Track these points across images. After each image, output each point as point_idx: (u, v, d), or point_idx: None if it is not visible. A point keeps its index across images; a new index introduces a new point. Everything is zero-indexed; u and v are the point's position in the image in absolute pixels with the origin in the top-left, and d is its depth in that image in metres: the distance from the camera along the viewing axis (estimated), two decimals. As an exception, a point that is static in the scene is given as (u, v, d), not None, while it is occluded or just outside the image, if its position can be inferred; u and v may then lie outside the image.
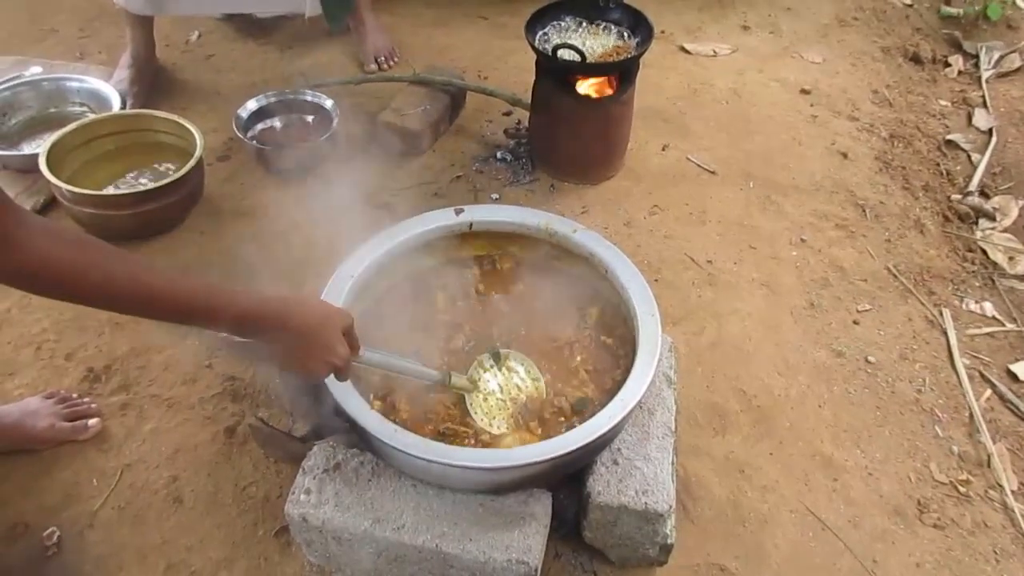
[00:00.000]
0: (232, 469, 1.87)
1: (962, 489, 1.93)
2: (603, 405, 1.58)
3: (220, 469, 1.87)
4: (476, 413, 1.61)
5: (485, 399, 1.63)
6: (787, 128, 2.95)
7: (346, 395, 1.50)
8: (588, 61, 2.34)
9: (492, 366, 1.67)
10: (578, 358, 1.71)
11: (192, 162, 2.34)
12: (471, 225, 1.86)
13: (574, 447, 1.45)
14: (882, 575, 1.75)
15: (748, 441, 1.98)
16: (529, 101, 2.68)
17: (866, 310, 2.34)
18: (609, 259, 1.78)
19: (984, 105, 3.16)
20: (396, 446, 1.43)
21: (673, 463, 1.65)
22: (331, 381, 1.50)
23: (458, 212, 1.86)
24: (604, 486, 1.58)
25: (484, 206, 1.89)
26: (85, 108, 2.76)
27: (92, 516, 1.77)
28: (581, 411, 1.61)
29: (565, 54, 2.35)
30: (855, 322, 2.30)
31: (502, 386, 1.65)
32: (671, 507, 1.57)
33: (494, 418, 1.61)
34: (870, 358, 2.20)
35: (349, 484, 1.56)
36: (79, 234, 1.13)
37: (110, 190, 2.44)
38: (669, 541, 1.61)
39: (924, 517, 1.86)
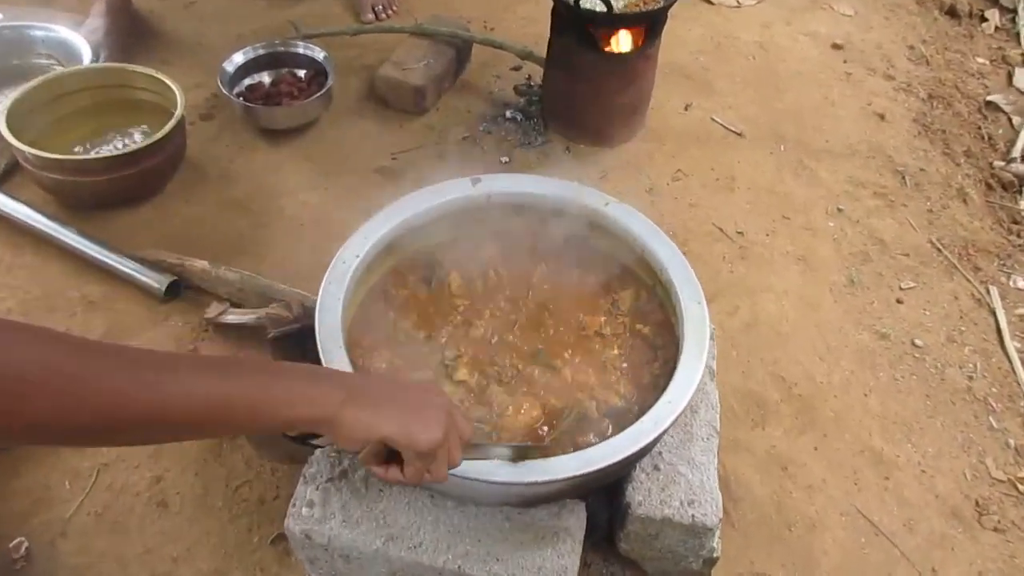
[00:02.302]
0: (222, 467, 1.68)
1: (1022, 487, 1.77)
2: (642, 405, 1.40)
3: (209, 468, 1.68)
4: None
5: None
6: (818, 86, 2.74)
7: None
8: (615, 11, 2.10)
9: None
10: (611, 351, 1.52)
11: (173, 122, 2.11)
12: (489, 197, 1.65)
13: (617, 458, 1.26)
14: (943, 586, 1.59)
15: (790, 434, 1.81)
16: (541, 55, 2.45)
17: (910, 287, 2.16)
18: (646, 236, 1.59)
19: (1024, 63, 2.96)
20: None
21: (717, 468, 1.48)
22: (329, 364, 1.32)
23: (475, 182, 1.64)
24: (645, 495, 1.40)
25: (504, 176, 1.68)
26: (52, 61, 2.49)
27: (65, 523, 1.58)
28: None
29: (588, 3, 2.12)
30: (899, 301, 2.12)
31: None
32: (720, 519, 1.39)
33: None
34: (917, 341, 2.03)
35: (358, 495, 1.37)
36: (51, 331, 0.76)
37: (81, 154, 2.21)
38: (715, 555, 1.45)
39: (984, 520, 1.71)
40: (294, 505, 1.36)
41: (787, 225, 2.27)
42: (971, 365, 2.00)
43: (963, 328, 2.08)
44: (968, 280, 2.20)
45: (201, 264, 1.95)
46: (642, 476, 1.43)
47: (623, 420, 1.40)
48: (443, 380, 1.45)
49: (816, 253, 2.20)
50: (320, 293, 1.43)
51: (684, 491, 1.41)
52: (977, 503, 1.74)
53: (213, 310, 1.89)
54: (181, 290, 1.98)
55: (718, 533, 1.42)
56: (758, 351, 1.95)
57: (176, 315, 1.93)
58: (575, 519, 1.37)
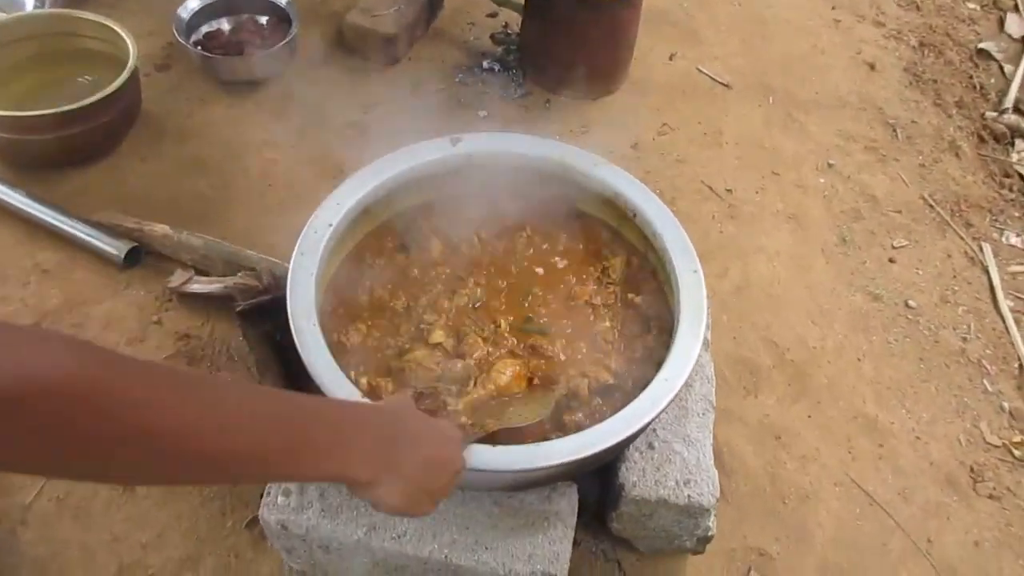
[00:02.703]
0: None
1: (1017, 452, 1.74)
2: (636, 381, 1.33)
3: (177, 448, 1.58)
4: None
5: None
6: (807, 34, 2.64)
7: (319, 366, 1.21)
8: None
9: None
10: (603, 323, 1.43)
11: (126, 73, 1.96)
12: (470, 157, 1.54)
13: (612, 442, 1.19)
14: (939, 556, 1.56)
15: (783, 402, 1.75)
16: (518, 1, 2.32)
17: (902, 246, 2.10)
18: (638, 200, 1.50)
19: (1016, 9, 2.86)
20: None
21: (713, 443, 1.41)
22: (302, 342, 1.23)
23: (454, 142, 1.53)
24: (640, 476, 1.34)
25: (486, 135, 1.57)
26: (-8, 6, 2.30)
27: (25, 510, 1.48)
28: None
29: (570, -56, 1.98)
30: (891, 260, 2.06)
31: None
32: (716, 499, 1.33)
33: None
34: (910, 302, 1.97)
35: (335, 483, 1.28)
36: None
37: (26, 109, 2.05)
38: (710, 533, 1.39)
39: (979, 487, 1.67)
40: (268, 494, 1.28)
41: (777, 182, 2.18)
42: (965, 326, 1.95)
43: (956, 288, 2.03)
44: (961, 237, 2.15)
45: (162, 228, 1.83)
46: (636, 456, 1.36)
47: (614, 398, 1.33)
48: (418, 343, 1.36)
49: (807, 211, 2.13)
50: (291, 267, 1.33)
51: (680, 470, 1.35)
52: (972, 470, 1.70)
53: (177, 278, 1.79)
54: (142, 256, 1.86)
55: (714, 512, 1.36)
56: (750, 315, 1.89)
57: (137, 283, 1.82)
58: (566, 503, 1.30)
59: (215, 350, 1.72)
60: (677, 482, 1.34)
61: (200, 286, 1.76)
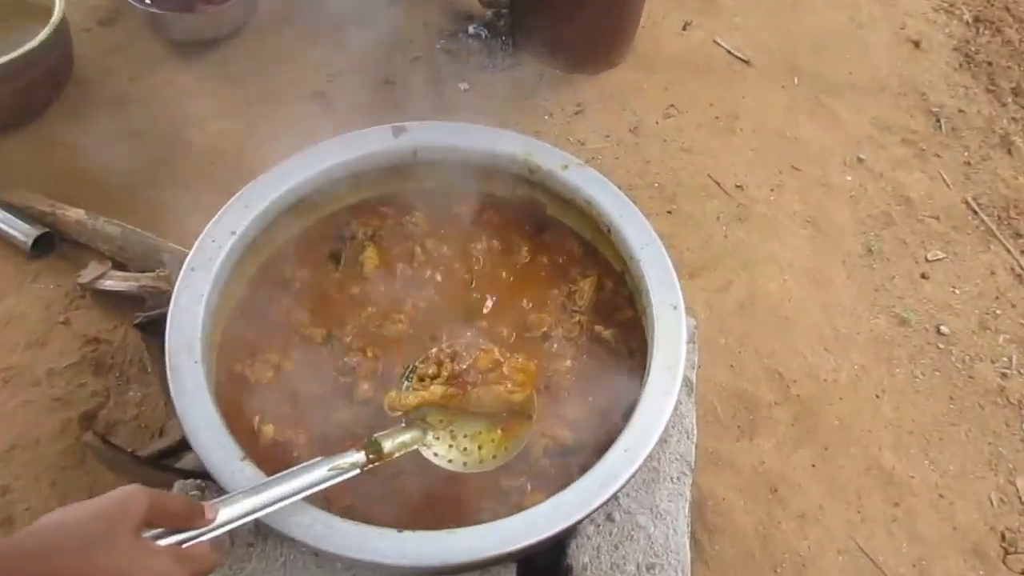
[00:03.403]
0: (86, 476, 1.38)
1: (1059, 518, 1.47)
2: (597, 441, 1.08)
3: (69, 476, 1.37)
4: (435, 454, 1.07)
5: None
6: (844, 5, 2.33)
7: (192, 417, 0.98)
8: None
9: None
10: (562, 362, 1.18)
11: (51, 27, 1.73)
12: (415, 152, 1.28)
13: (547, 533, 0.95)
14: (957, 649, 1.31)
15: (784, 447, 1.50)
16: (513, -43, 2.03)
17: (938, 259, 1.82)
18: (614, 211, 1.23)
19: (1088, -19, 2.50)
20: (284, 531, 0.92)
21: (688, 514, 1.16)
22: (175, 382, 1.01)
23: (397, 132, 1.28)
24: (592, 557, 1.10)
25: (434, 124, 1.30)
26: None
27: None
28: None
29: None
30: (923, 276, 1.78)
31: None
32: (688, 589, 1.09)
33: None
34: (942, 328, 1.70)
35: (219, 552, 1.06)
36: None
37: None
38: (679, 621, 1.15)
39: (1010, 559, 1.42)
40: (137, 561, 1.05)
41: (797, 178, 1.90)
42: (1005, 359, 1.67)
43: (998, 311, 1.75)
44: (1008, 250, 1.85)
45: (76, 214, 1.60)
46: (590, 529, 1.12)
47: (567, 461, 1.08)
48: (340, 400, 1.12)
49: (829, 214, 1.85)
50: (175, 287, 1.09)
51: (643, 551, 1.11)
52: (1003, 537, 1.44)
53: (89, 272, 1.56)
54: (56, 243, 1.63)
55: (685, 602, 1.12)
56: (752, 339, 1.62)
57: (46, 275, 1.60)
58: (501, 589, 1.06)
59: (126, 358, 1.50)
60: (639, 567, 1.10)
61: (114, 283, 1.53)
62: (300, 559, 1.07)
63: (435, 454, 1.04)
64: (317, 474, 0.92)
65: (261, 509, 0.86)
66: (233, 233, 1.15)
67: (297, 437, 1.09)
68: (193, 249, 1.13)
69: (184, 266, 1.10)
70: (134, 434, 1.43)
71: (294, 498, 0.89)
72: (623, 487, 0.99)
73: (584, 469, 1.01)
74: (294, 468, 0.92)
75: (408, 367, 1.09)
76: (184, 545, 0.76)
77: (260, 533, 1.07)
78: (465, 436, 1.07)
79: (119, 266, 1.57)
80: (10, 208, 1.63)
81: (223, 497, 0.84)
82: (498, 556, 0.95)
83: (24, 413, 1.43)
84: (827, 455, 1.50)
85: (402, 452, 1.01)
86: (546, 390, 1.16)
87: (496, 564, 1.04)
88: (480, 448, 1.06)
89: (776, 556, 1.38)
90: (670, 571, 1.09)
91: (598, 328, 1.22)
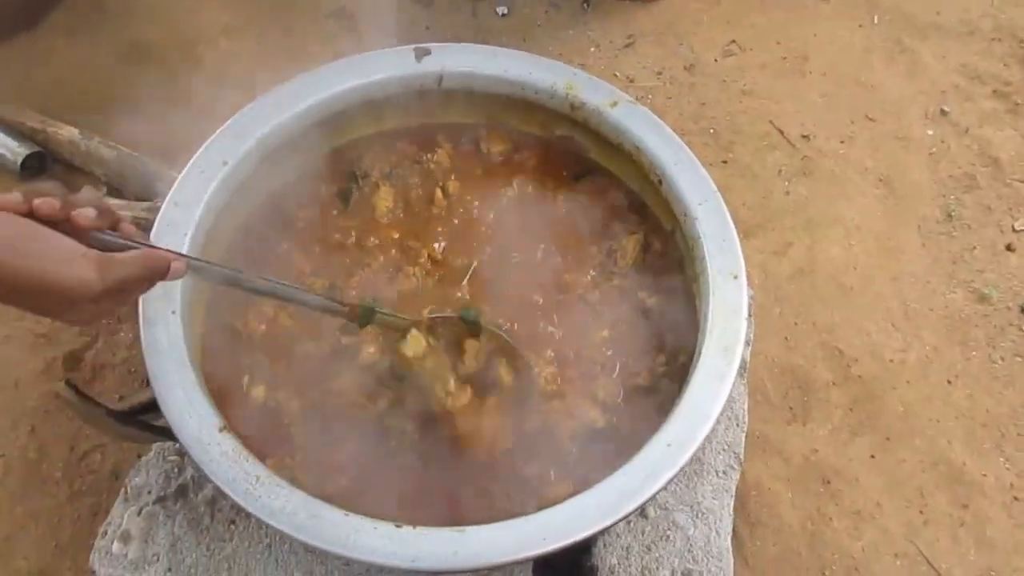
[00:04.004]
0: (68, 423, 1.26)
1: None
2: (631, 426, 0.93)
3: (51, 424, 1.26)
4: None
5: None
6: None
7: (164, 378, 0.85)
8: None
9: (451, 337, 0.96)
10: (598, 332, 1.02)
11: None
12: (440, 79, 1.11)
13: (579, 535, 0.80)
14: (1026, 674, 1.16)
15: (840, 434, 1.34)
16: None
17: (1025, 229, 1.61)
18: (668, 159, 1.05)
19: None
20: (261, 516, 0.79)
21: (732, 512, 1.01)
22: (148, 341, 0.86)
23: (420, 55, 1.10)
24: (621, 558, 0.96)
25: (463, 47, 1.12)
26: None
27: None
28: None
29: None
30: (1009, 248, 1.59)
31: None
32: (729, 602, 0.95)
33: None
34: (1028, 307, 1.50)
35: (196, 528, 0.94)
36: None
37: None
38: (715, 632, 1.01)
39: (1092, 575, 1.25)
40: (104, 534, 0.93)
41: (870, 130, 1.70)
42: (1097, 345, 1.48)
43: (1092, 291, 1.55)
44: (1105, 221, 1.64)
45: (69, 132, 1.46)
46: (620, 526, 0.98)
47: (598, 449, 0.93)
48: (341, 363, 0.97)
49: (905, 173, 1.65)
50: (155, 224, 0.94)
51: (680, 554, 0.97)
52: (1085, 549, 1.27)
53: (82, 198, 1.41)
54: (48, 164, 1.49)
55: (724, 614, 0.97)
56: (810, 310, 1.45)
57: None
58: (513, 589, 0.93)
59: (117, 297, 1.36)
60: (673, 572, 0.96)
61: (106, 212, 1.39)
62: (287, 541, 0.94)
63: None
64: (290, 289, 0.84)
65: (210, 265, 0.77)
66: (225, 163, 1.00)
67: (290, 402, 0.96)
68: (177, 181, 0.97)
69: (166, 200, 0.96)
70: (122, 379, 1.31)
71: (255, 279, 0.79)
72: (662, 489, 0.84)
73: (617, 459, 0.87)
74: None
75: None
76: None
77: (243, 511, 0.93)
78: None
79: (114, 193, 1.44)
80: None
81: (191, 258, 0.74)
82: (510, 563, 0.81)
83: (4, 350, 1.31)
84: (888, 446, 1.33)
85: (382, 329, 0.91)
86: (576, 361, 1.01)
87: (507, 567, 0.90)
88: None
89: (825, 557, 1.23)
90: (710, 578, 0.95)
91: (641, 294, 1.05)
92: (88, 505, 1.20)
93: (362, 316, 0.87)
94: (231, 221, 1.03)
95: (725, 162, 1.61)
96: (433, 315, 0.95)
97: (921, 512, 1.28)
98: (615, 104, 1.08)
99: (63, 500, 1.20)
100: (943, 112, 1.76)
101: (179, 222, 0.94)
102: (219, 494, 0.92)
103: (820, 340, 1.42)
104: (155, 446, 1.01)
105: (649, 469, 0.84)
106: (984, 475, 1.32)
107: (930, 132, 1.72)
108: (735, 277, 0.96)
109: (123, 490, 0.96)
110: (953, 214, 1.61)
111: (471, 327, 0.95)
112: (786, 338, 1.42)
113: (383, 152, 1.13)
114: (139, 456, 1.01)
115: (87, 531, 1.18)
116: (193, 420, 0.83)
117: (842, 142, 1.68)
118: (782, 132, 1.68)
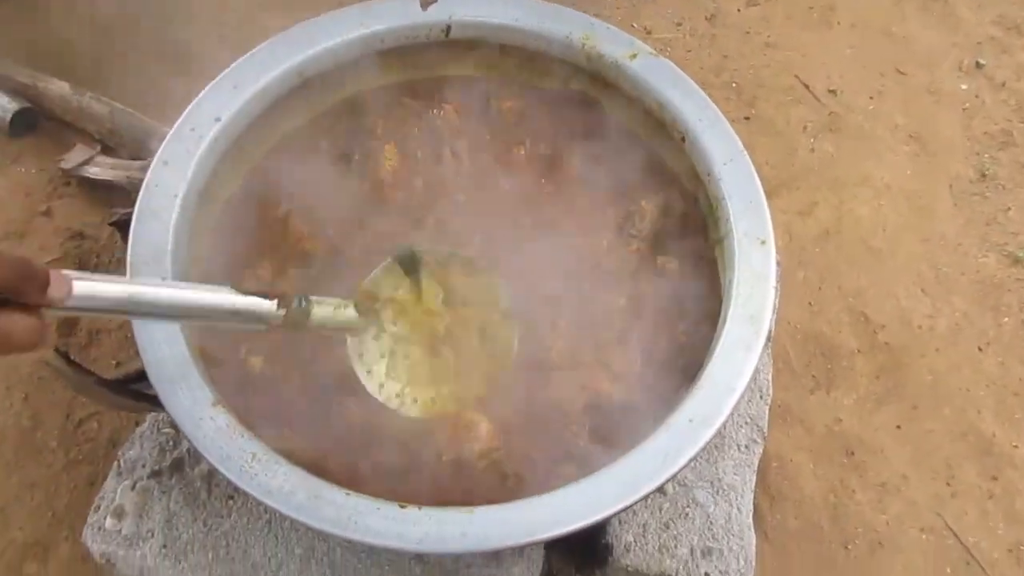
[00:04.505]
0: (63, 391, 1.23)
1: None
2: (651, 402, 0.87)
3: (45, 390, 1.22)
4: (365, 365, 0.86)
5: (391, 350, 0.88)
6: None
7: (158, 349, 0.80)
8: None
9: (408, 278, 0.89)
10: (616, 299, 0.96)
11: None
12: (448, 28, 1.03)
13: (594, 517, 0.75)
14: (1056, 654, 1.12)
15: (866, 403, 1.29)
16: None
17: (1064, 189, 1.53)
18: (692, 115, 0.98)
19: None
20: (257, 496, 0.74)
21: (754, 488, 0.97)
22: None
23: (427, 3, 1.03)
24: (638, 535, 0.92)
25: (474, -6, 1.06)
26: None
27: None
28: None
29: None
30: (1045, 208, 1.51)
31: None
32: (750, 582, 0.90)
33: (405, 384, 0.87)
34: (1064, 271, 1.44)
35: (193, 503, 0.90)
36: None
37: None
38: (734, 610, 0.96)
39: (1125, 551, 1.20)
40: (96, 509, 0.89)
41: (902, 84, 1.62)
42: None
43: None
44: None
45: (60, 87, 1.40)
46: (636, 504, 0.93)
47: (613, 423, 0.88)
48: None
49: (938, 129, 1.57)
50: (143, 185, 0.88)
51: (699, 532, 0.92)
52: (1119, 524, 1.23)
53: (75, 157, 1.37)
54: (38, 120, 1.43)
55: (745, 594, 0.93)
56: (836, 274, 1.39)
57: (29, 157, 1.41)
58: (523, 568, 0.89)
59: (113, 258, 1.32)
60: (692, 550, 0.91)
61: (101, 171, 1.34)
62: (288, 518, 0.90)
63: (363, 359, 0.84)
64: (211, 297, 0.69)
65: (128, 307, 0.63)
66: (218, 120, 0.94)
67: (290, 375, 0.91)
68: (166, 139, 0.91)
69: (155, 159, 0.90)
70: (119, 346, 1.27)
71: (172, 313, 0.68)
72: (683, 469, 0.79)
73: (634, 435, 0.82)
74: (191, 283, 0.72)
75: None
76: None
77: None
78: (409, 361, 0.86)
79: (108, 151, 1.38)
80: (-11, 78, 1.43)
81: (81, 273, 0.59)
82: (520, 546, 0.76)
83: (-2, 314, 1.26)
84: (916, 415, 1.28)
85: (322, 327, 0.80)
86: (590, 331, 0.95)
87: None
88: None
89: (848, 531, 1.18)
90: (731, 559, 0.91)
91: (661, 259, 0.99)
92: (85, 474, 1.17)
93: (291, 305, 0.75)
94: (226, 181, 0.97)
95: (747, 118, 1.54)
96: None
97: (948, 484, 1.23)
98: (635, 56, 1.01)
99: (59, 469, 1.16)
100: (978, 65, 1.67)
101: (168, 183, 0.89)
102: (218, 474, 0.87)
103: (846, 305, 1.36)
104: (149, 417, 0.96)
105: (669, 447, 0.78)
106: (1015, 446, 1.27)
107: (964, 86, 1.64)
108: (763, 242, 0.90)
109: (116, 464, 0.92)
110: (987, 173, 1.53)
111: (409, 265, 0.88)
112: (810, 303, 1.36)
113: (387, 108, 1.06)
114: (136, 424, 0.97)
115: (84, 501, 1.14)
116: (185, 393, 0.78)
117: (871, 97, 1.60)
118: (808, 87, 1.60)
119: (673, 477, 0.79)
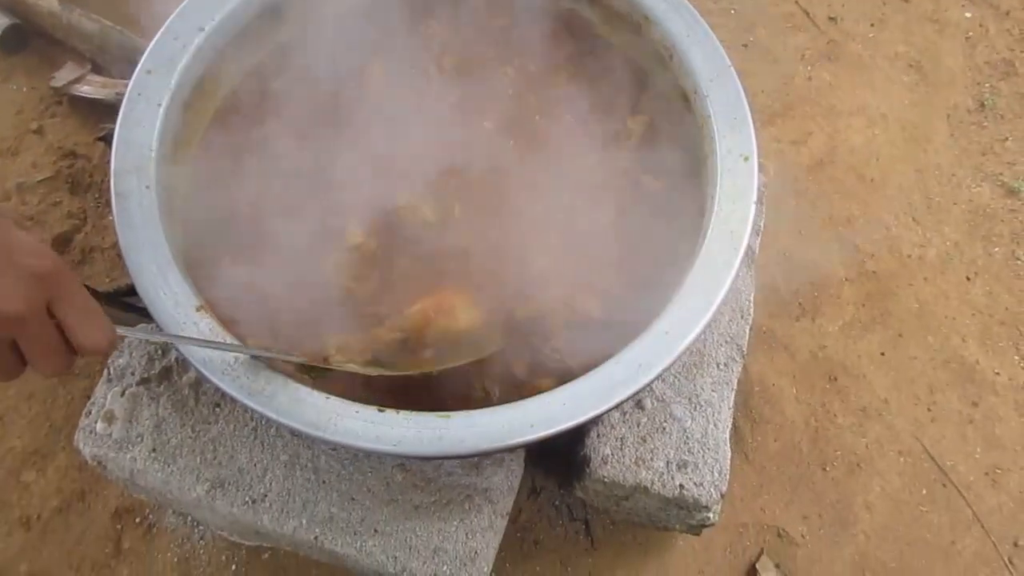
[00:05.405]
0: (59, 306, 1.22)
1: None
2: (632, 318, 0.88)
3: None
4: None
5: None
6: None
7: (142, 255, 0.81)
8: None
9: None
10: (601, 216, 0.96)
11: None
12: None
13: (568, 423, 0.77)
14: (1024, 572, 1.15)
15: (851, 330, 1.30)
16: None
17: (1063, 120, 1.52)
18: (679, 32, 0.97)
19: None
20: (239, 397, 0.76)
21: (732, 406, 0.98)
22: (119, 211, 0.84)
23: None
24: (615, 448, 0.94)
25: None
26: None
27: None
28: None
29: None
30: (1043, 139, 1.49)
31: None
32: (722, 494, 0.93)
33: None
34: (1057, 203, 1.43)
35: (181, 410, 0.92)
36: None
37: None
38: (710, 523, 0.99)
39: (1100, 477, 1.22)
40: (88, 414, 0.92)
41: (903, 12, 1.58)
42: None
43: None
44: None
45: (49, 3, 1.38)
46: (615, 417, 0.95)
47: (593, 338, 0.89)
48: (327, 244, 0.93)
49: (939, 58, 1.54)
50: (126, 95, 0.88)
51: (675, 446, 0.94)
52: (1095, 451, 1.24)
53: (65, 75, 1.36)
54: (28, 38, 1.42)
55: (719, 506, 0.95)
56: (828, 201, 1.38)
57: (19, 74, 1.40)
58: (502, 477, 0.91)
59: (105, 177, 1.31)
60: (668, 463, 0.93)
61: (92, 89, 1.33)
62: (273, 425, 0.92)
63: None
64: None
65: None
66: (201, 30, 0.93)
67: (272, 285, 0.92)
68: (148, 48, 0.91)
69: (138, 68, 0.89)
70: (112, 263, 1.28)
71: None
72: (657, 378, 0.80)
73: (612, 348, 0.83)
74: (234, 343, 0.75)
75: None
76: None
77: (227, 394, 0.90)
78: None
79: (99, 69, 1.37)
80: (-23, -6, 1.41)
81: (129, 330, 0.67)
82: (497, 450, 0.78)
83: (-8, 232, 1.27)
84: (900, 343, 1.29)
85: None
86: (575, 249, 0.96)
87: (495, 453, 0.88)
88: None
89: (827, 453, 1.20)
90: (705, 471, 0.93)
91: (646, 178, 0.99)
92: (81, 388, 1.19)
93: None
94: (210, 92, 0.97)
95: (745, 45, 1.51)
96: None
97: (929, 410, 1.25)
98: (624, -32, 0.99)
99: (56, 382, 1.19)
100: (984, -8, 1.64)
101: (153, 91, 0.88)
102: (202, 377, 0.89)
103: (836, 233, 1.36)
104: (140, 326, 0.98)
105: (644, 357, 0.80)
106: (997, 373, 1.28)
107: (968, 15, 1.61)
108: (746, 159, 0.90)
109: (105, 371, 0.93)
110: (987, 103, 1.51)
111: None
112: (800, 231, 1.36)
113: (373, 21, 1.05)
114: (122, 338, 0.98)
115: (80, 412, 1.15)
116: (168, 299, 0.80)
117: (872, 25, 1.57)
118: (808, 13, 1.57)
119: (647, 386, 0.80)
